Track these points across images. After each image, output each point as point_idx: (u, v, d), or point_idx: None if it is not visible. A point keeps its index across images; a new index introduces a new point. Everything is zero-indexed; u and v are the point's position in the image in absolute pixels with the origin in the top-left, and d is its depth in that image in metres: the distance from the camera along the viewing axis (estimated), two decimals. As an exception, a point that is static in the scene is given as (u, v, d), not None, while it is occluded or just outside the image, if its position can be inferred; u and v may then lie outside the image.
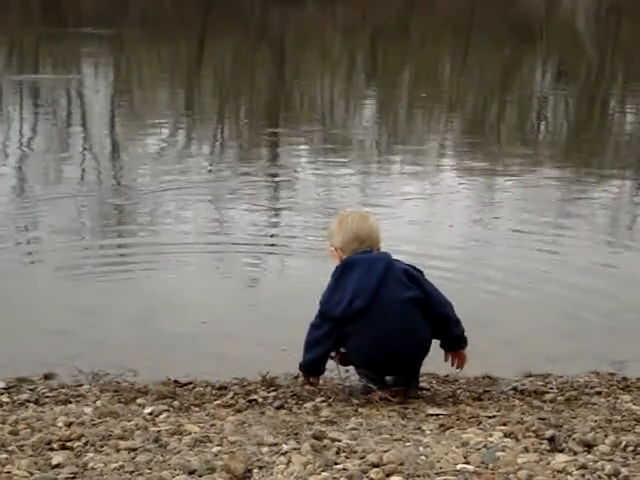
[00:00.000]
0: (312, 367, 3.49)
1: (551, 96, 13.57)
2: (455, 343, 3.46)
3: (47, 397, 3.36)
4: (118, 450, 2.64)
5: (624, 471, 2.43)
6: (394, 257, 3.44)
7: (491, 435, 2.80)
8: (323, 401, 3.34)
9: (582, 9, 27.68)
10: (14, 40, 16.60)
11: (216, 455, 2.57)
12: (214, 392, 3.49)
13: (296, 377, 3.65)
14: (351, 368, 3.55)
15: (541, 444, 2.69)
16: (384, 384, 3.43)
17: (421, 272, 3.43)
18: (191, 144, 9.08)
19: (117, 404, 3.24)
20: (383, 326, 3.29)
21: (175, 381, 3.58)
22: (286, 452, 2.60)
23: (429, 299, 3.35)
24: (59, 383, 3.56)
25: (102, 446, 2.68)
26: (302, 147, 8.93)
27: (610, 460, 2.53)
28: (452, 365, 3.51)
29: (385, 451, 2.57)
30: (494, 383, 3.67)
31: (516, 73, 15.89)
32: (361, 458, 2.54)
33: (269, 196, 6.84)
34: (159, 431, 2.83)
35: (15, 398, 3.33)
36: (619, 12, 26.06)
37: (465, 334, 3.45)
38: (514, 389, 3.58)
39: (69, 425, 2.90)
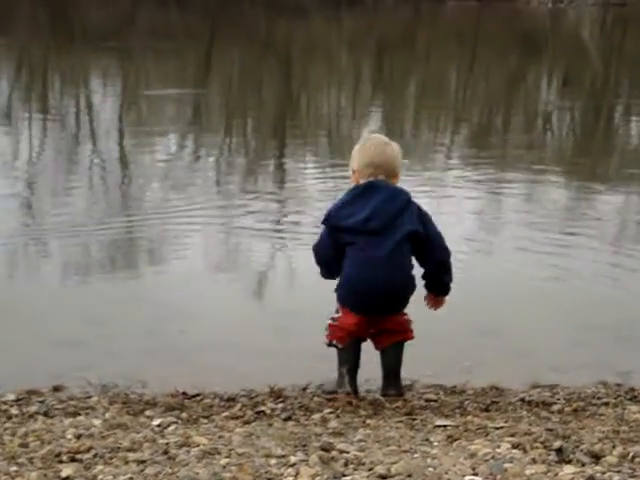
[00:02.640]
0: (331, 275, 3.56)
1: (557, 106, 13.57)
2: (441, 289, 3.56)
3: (56, 409, 3.36)
4: (127, 462, 2.65)
5: (632, 482, 2.44)
6: None
7: (499, 446, 2.80)
8: (331, 412, 3.34)
9: (587, 20, 27.70)
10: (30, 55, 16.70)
11: (224, 467, 2.57)
12: (222, 404, 3.49)
13: (304, 389, 3.67)
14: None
15: (549, 455, 2.69)
16: (355, 389, 3.50)
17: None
18: (198, 156, 9.10)
19: (126, 416, 3.24)
20: (382, 252, 3.37)
21: (183, 393, 3.59)
22: (294, 464, 2.60)
23: (430, 242, 3.45)
24: (68, 395, 3.56)
25: (111, 458, 2.69)
26: (309, 158, 8.95)
27: (618, 471, 2.53)
28: (428, 305, 3.60)
29: (393, 462, 2.57)
30: (501, 394, 3.66)
31: (522, 83, 15.91)
32: (369, 470, 2.54)
33: (276, 206, 6.85)
34: (167, 443, 2.83)
35: (24, 410, 3.34)
36: (624, 23, 26.07)
37: (451, 284, 3.53)
38: (521, 400, 3.57)
39: (78, 437, 2.91)
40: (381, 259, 3.38)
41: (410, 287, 3.49)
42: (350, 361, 3.53)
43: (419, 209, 3.47)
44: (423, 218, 3.46)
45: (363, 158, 3.50)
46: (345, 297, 3.49)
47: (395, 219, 3.39)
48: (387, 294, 3.46)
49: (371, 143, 3.55)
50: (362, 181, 3.48)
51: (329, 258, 3.51)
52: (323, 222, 3.50)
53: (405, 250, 3.43)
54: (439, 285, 3.56)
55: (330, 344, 3.57)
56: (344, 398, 3.45)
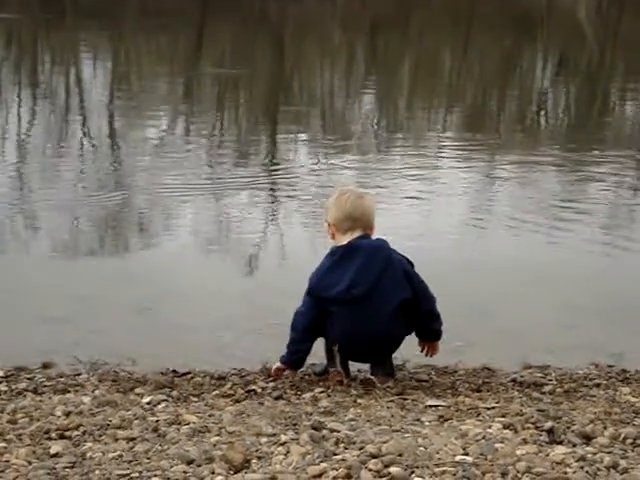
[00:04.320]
0: (299, 360, 3.49)
1: (552, 87, 13.55)
2: (432, 336, 3.54)
3: (45, 386, 3.36)
4: (116, 440, 2.65)
5: (623, 463, 2.44)
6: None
7: (490, 426, 2.80)
8: (322, 392, 3.34)
9: (583, 0, 27.61)
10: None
11: (214, 445, 2.57)
12: (213, 382, 3.49)
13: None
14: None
15: (540, 436, 2.70)
16: (346, 369, 3.48)
17: (412, 265, 3.46)
18: (189, 136, 9.06)
19: (115, 393, 3.24)
20: (369, 318, 3.34)
21: (174, 371, 3.58)
22: (285, 442, 2.60)
23: (417, 298, 3.41)
24: (57, 372, 3.56)
25: (100, 435, 2.68)
26: (301, 139, 8.92)
27: (609, 452, 2.54)
28: (423, 352, 3.58)
29: (384, 442, 2.57)
30: (493, 374, 3.67)
31: (517, 64, 15.87)
32: (360, 449, 2.53)
33: (268, 186, 6.84)
34: (157, 421, 2.83)
35: (13, 387, 3.33)
36: (621, 3, 25.99)
37: (442, 328, 3.51)
38: (513, 380, 3.58)
39: (67, 414, 2.91)
40: (368, 326, 3.34)
41: (397, 344, 3.50)
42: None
43: (401, 261, 3.40)
44: (407, 270, 3.40)
45: (339, 212, 3.42)
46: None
47: (377, 281, 3.34)
48: (374, 354, 3.49)
49: (347, 197, 3.45)
50: (338, 236, 3.43)
51: (308, 326, 3.43)
52: (307, 292, 3.41)
53: (401, 315, 3.40)
54: (430, 333, 3.52)
55: None
56: (335, 377, 3.44)
